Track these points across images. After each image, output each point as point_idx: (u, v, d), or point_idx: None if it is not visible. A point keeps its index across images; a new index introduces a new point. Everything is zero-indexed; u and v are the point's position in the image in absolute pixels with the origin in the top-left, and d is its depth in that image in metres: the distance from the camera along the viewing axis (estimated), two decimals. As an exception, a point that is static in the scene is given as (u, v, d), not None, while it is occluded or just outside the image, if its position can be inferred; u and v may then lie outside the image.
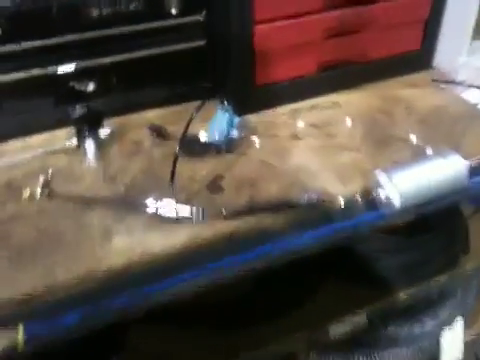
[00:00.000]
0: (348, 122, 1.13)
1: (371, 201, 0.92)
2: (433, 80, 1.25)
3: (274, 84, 1.16)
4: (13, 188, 0.96)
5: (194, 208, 0.88)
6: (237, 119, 1.06)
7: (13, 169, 1.01)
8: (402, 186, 0.90)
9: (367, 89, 1.25)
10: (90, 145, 1.04)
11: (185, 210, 0.89)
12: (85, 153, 1.04)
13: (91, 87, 1.11)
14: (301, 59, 1.15)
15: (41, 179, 0.97)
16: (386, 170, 0.93)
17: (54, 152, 1.05)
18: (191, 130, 1.02)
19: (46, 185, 0.96)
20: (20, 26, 0.98)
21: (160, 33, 1.10)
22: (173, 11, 1.07)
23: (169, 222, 0.89)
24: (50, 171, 0.99)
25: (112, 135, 1.09)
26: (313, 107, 1.19)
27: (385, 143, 1.06)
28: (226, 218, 0.88)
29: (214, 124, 1.04)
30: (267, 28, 1.07)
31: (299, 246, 0.90)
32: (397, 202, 0.89)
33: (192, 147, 1.06)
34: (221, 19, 1.10)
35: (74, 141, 1.06)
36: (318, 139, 1.08)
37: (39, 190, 0.95)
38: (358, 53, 1.21)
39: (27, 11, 0.98)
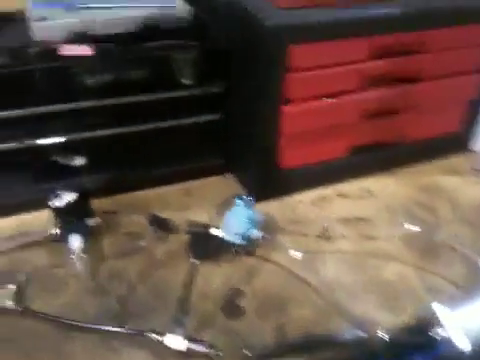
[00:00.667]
0: (386, 220, 0.96)
1: (427, 338, 0.74)
2: (473, 169, 1.10)
3: (299, 167, 0.98)
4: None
5: (209, 346, 0.69)
6: (260, 216, 0.87)
7: (-23, 266, 0.81)
8: (465, 323, 0.73)
9: (401, 174, 1.08)
10: (75, 237, 0.83)
11: (198, 346, 0.69)
12: (68, 248, 0.82)
13: (79, 162, 0.91)
14: (332, 141, 0.98)
15: (13, 287, 0.76)
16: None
17: (31, 244, 0.84)
18: (199, 219, 0.85)
19: (19, 295, 0.75)
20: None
21: (169, 105, 0.91)
22: (186, 81, 0.89)
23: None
24: (24, 276, 0.79)
25: (103, 223, 0.88)
26: (343, 195, 1.02)
27: (432, 252, 0.89)
28: (250, 360, 0.69)
29: (232, 219, 0.85)
30: (297, 108, 0.89)
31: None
32: (466, 345, 0.71)
33: (203, 245, 0.86)
34: (243, 92, 0.92)
35: (55, 230, 0.85)
36: (353, 242, 0.91)
37: (11, 303, 0.74)
38: (394, 135, 1.04)
39: (4, 76, 0.78)
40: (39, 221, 0.88)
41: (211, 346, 0.68)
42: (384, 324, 0.76)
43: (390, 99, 0.98)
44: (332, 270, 0.85)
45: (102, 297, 0.77)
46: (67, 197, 0.84)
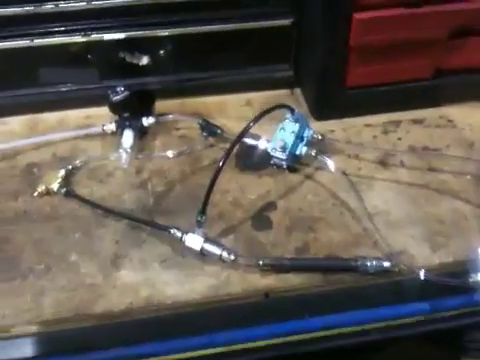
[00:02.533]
0: (461, 154, 0.85)
1: (463, 282, 0.66)
2: None
3: (370, 87, 0.89)
4: (32, 177, 0.82)
5: (223, 249, 0.68)
6: (309, 132, 0.82)
7: (42, 149, 0.87)
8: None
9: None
10: (128, 134, 0.86)
11: (216, 249, 0.69)
12: (121, 143, 0.86)
13: (145, 61, 0.92)
14: (412, 60, 0.87)
15: (62, 171, 0.82)
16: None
17: (89, 136, 0.89)
18: (252, 132, 0.82)
19: (67, 180, 0.81)
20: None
21: (235, 6, 0.87)
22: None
23: (193, 261, 0.70)
24: (77, 161, 0.84)
25: (158, 124, 0.90)
26: (417, 121, 0.92)
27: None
28: (263, 271, 0.68)
29: (279, 133, 0.82)
30: (371, 17, 0.80)
31: (350, 326, 0.68)
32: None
33: (248, 157, 0.85)
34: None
35: (113, 126, 0.88)
36: (415, 172, 0.82)
37: (57, 185, 0.80)
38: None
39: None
40: (103, 115, 0.91)
41: (224, 249, 0.68)
42: (421, 261, 0.69)
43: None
44: (379, 197, 0.78)
45: (141, 192, 0.80)
46: (125, 94, 0.87)
